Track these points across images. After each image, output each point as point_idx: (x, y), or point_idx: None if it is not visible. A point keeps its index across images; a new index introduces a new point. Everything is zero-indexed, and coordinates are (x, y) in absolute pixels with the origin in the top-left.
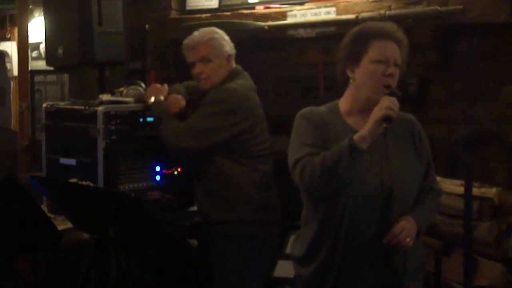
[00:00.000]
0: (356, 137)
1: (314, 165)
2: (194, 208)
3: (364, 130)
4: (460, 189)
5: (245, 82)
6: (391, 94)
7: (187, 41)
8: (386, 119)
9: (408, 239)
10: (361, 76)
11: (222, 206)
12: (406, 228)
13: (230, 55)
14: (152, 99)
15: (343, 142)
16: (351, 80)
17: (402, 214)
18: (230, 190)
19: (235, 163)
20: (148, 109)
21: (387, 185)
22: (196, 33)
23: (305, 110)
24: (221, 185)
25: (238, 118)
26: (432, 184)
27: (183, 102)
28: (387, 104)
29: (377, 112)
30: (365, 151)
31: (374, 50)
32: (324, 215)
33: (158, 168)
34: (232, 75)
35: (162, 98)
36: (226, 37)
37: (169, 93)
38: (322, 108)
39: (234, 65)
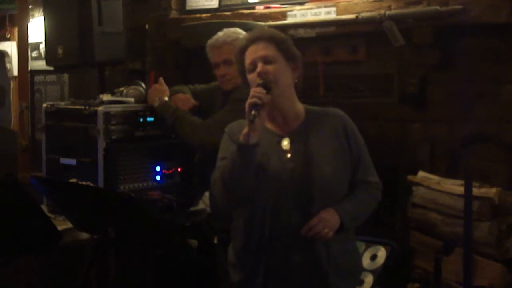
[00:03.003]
0: (240, 136)
1: (217, 179)
2: (194, 208)
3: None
4: (460, 189)
5: None
6: (258, 85)
7: (211, 41)
8: (253, 107)
9: (326, 230)
10: (252, 88)
11: None
12: (323, 219)
13: None
14: (157, 101)
15: (233, 147)
16: None
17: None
18: None
19: None
20: (152, 110)
21: (306, 186)
22: (221, 34)
23: (229, 125)
24: None
25: None
26: (364, 177)
27: (192, 101)
28: (251, 94)
29: (246, 105)
30: (257, 145)
31: (246, 62)
32: (245, 223)
33: (158, 168)
34: None
35: (166, 98)
36: None
37: (175, 92)
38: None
39: None
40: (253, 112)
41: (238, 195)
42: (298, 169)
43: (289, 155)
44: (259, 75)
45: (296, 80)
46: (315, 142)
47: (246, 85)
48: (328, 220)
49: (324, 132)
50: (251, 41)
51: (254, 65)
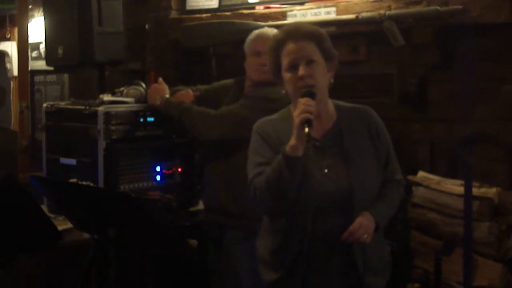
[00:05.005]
0: (287, 148)
1: (262, 186)
2: (194, 208)
3: (292, 138)
4: (460, 189)
5: None
6: (304, 94)
7: (259, 31)
8: (305, 123)
9: (366, 236)
10: (286, 86)
11: (243, 201)
12: (363, 225)
13: None
14: (159, 100)
15: (278, 156)
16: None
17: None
18: None
19: None
20: (153, 110)
21: (347, 190)
22: (266, 28)
23: (258, 123)
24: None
25: None
26: (393, 175)
27: (192, 94)
28: (301, 108)
29: (296, 119)
30: (301, 157)
31: (284, 59)
32: (285, 226)
33: (158, 168)
34: None
35: (167, 96)
36: None
37: (174, 92)
38: (275, 116)
39: None
40: (306, 129)
41: (285, 201)
42: (338, 174)
43: (326, 160)
44: (302, 78)
45: (331, 80)
46: (350, 145)
47: (277, 81)
48: (367, 225)
49: (358, 132)
50: (290, 37)
51: (293, 65)
